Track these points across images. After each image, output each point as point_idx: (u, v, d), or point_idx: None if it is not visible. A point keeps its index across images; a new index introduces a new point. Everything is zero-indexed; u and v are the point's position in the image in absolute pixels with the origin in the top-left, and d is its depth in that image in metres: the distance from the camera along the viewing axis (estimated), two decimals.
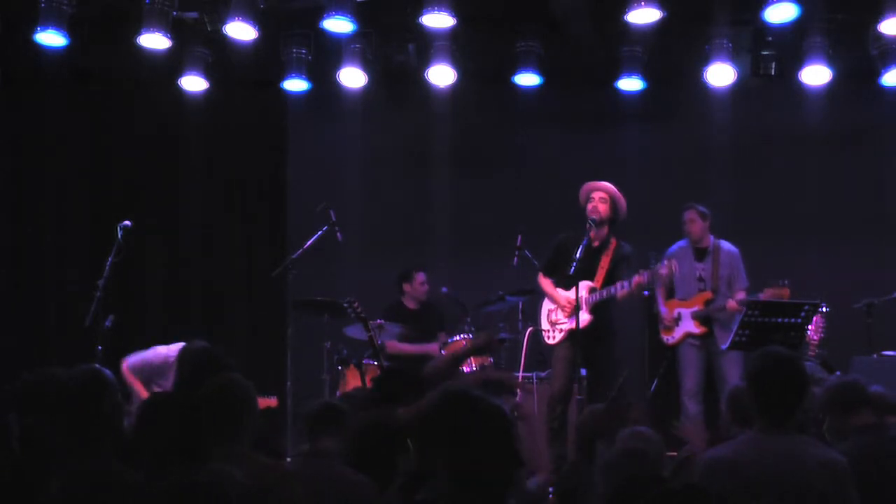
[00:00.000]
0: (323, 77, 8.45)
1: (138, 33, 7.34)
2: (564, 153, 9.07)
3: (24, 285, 9.17)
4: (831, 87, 8.30)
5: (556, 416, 6.76)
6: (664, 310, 7.48)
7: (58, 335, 8.91)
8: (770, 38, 8.10)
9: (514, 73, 8.29)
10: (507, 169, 9.18)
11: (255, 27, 7.36)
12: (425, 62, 8.25)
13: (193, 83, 8.41)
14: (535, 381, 7.42)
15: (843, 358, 6.87)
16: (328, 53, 8.29)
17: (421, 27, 7.53)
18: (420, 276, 8.25)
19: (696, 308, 7.32)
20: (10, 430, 3.33)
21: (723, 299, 7.23)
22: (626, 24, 7.38)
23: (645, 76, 8.35)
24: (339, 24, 7.35)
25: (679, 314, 7.38)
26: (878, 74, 8.04)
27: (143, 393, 6.70)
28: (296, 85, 8.42)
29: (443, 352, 7.64)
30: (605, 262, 6.91)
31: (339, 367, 7.64)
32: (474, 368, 7.45)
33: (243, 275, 9.27)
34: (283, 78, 8.39)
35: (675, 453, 4.48)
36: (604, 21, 7.79)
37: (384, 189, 9.27)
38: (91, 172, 9.34)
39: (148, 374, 6.75)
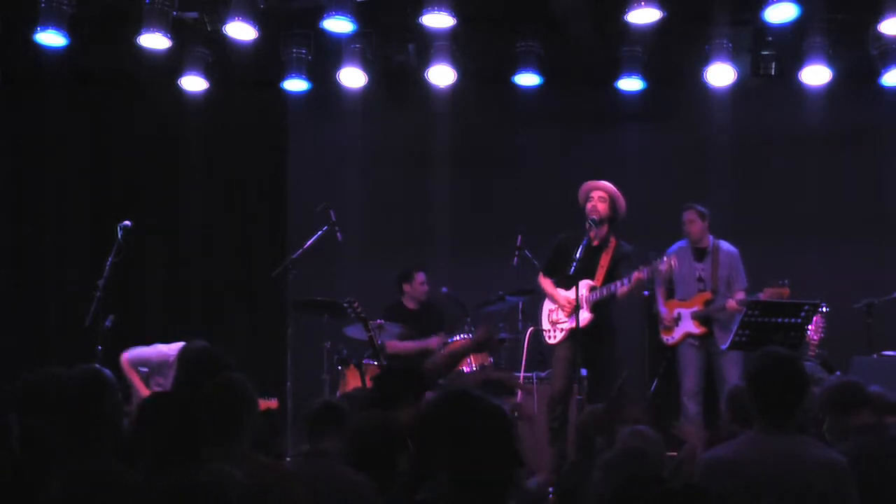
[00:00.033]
0: (323, 77, 8.45)
1: (138, 33, 7.34)
2: (564, 153, 9.07)
3: (24, 285, 9.18)
4: (831, 87, 8.30)
5: (556, 416, 6.76)
6: (664, 310, 7.48)
7: (58, 335, 8.91)
8: (770, 38, 8.10)
9: (514, 73, 8.29)
10: (507, 169, 9.17)
11: (255, 27, 7.36)
12: (425, 62, 8.25)
13: (193, 83, 8.41)
14: (535, 381, 7.42)
15: (843, 358, 6.87)
16: (328, 53, 8.29)
17: (421, 27, 7.53)
18: (420, 276, 8.24)
19: (695, 308, 7.32)
20: (10, 430, 3.34)
21: (722, 299, 7.23)
22: (626, 24, 7.38)
23: (645, 76, 8.35)
24: (339, 24, 7.35)
25: (679, 314, 7.38)
26: (878, 74, 8.04)
27: (141, 387, 6.71)
28: (296, 85, 8.42)
29: (442, 350, 7.64)
30: (604, 261, 6.91)
31: (339, 367, 7.64)
32: (474, 368, 7.46)
33: (243, 275, 9.27)
34: (283, 78, 8.39)
35: (675, 453, 4.48)
36: (604, 21, 7.79)
37: (384, 189, 9.27)
38: (91, 172, 9.34)
39: (146, 368, 6.76)
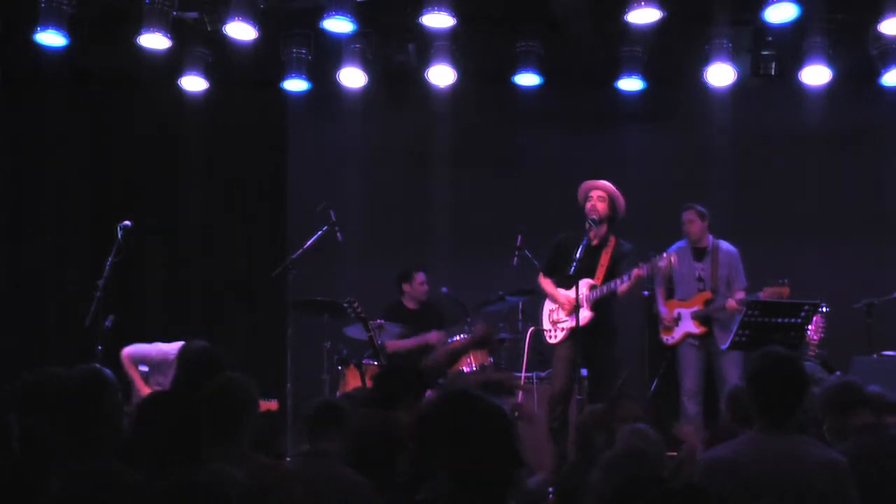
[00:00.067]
0: (323, 77, 8.45)
1: (138, 33, 7.34)
2: (564, 153, 9.07)
3: (24, 285, 9.18)
4: (831, 87, 8.30)
5: (556, 416, 6.76)
6: (664, 310, 7.48)
7: (58, 335, 8.91)
8: (770, 38, 8.10)
9: (514, 73, 8.29)
10: (507, 169, 9.17)
11: (255, 27, 7.36)
12: (425, 62, 8.25)
13: (193, 83, 8.41)
14: (535, 381, 7.42)
15: (843, 358, 6.87)
16: (328, 53, 8.29)
17: (421, 27, 7.53)
18: (419, 276, 8.24)
19: (695, 308, 7.32)
20: (10, 430, 3.34)
21: (722, 299, 7.23)
22: (626, 24, 7.38)
23: (645, 76, 8.35)
24: (339, 24, 7.35)
25: (679, 314, 7.38)
26: (878, 74, 8.04)
27: (140, 384, 6.71)
28: (296, 85, 8.42)
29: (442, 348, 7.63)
30: (604, 260, 6.92)
31: (339, 367, 7.64)
32: (474, 368, 7.46)
33: (243, 275, 9.27)
34: (283, 78, 8.39)
35: (675, 453, 4.48)
36: (604, 21, 7.79)
37: (384, 189, 9.27)
38: (91, 172, 9.34)
39: (146, 368, 6.76)
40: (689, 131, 9.08)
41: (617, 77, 8.39)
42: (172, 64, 8.18)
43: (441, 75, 8.24)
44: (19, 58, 8.19)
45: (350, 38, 7.92)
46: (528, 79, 8.29)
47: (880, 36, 7.66)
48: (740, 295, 7.14)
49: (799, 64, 8.06)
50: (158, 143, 9.32)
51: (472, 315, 7.90)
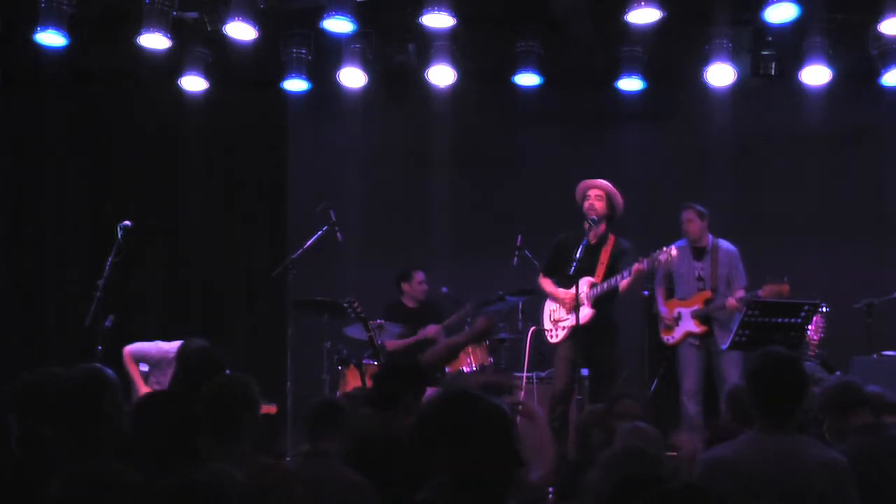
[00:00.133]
0: (323, 77, 8.45)
1: (138, 33, 7.35)
2: (564, 153, 9.07)
3: (24, 285, 9.18)
4: (831, 87, 8.30)
5: (556, 415, 6.77)
6: (664, 309, 7.48)
7: (58, 335, 8.91)
8: (770, 38, 8.10)
9: (514, 73, 8.29)
10: (507, 169, 9.17)
11: (255, 27, 7.36)
12: (425, 62, 8.25)
13: (193, 83, 8.41)
14: (535, 381, 7.42)
15: (843, 358, 6.87)
16: (328, 53, 8.29)
17: (421, 27, 7.53)
18: (419, 276, 8.25)
19: (695, 307, 7.32)
20: (10, 430, 3.33)
21: (722, 298, 7.23)
22: (626, 24, 7.39)
23: (645, 76, 8.35)
24: (339, 24, 7.35)
25: (679, 314, 7.38)
26: (878, 74, 8.04)
27: (140, 382, 6.72)
28: (296, 85, 8.42)
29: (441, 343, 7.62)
30: (604, 258, 6.93)
31: (339, 367, 7.64)
32: (474, 368, 7.46)
33: (243, 275, 9.27)
34: (283, 78, 8.39)
35: (675, 453, 4.47)
36: (604, 21, 7.80)
37: (384, 189, 9.26)
38: (91, 172, 9.34)
39: (146, 367, 6.77)
40: (689, 131, 9.08)
41: (617, 77, 8.39)
42: (172, 64, 8.18)
43: (441, 75, 8.24)
44: (19, 58, 8.19)
45: (350, 38, 7.92)
46: (528, 79, 8.29)
47: (880, 36, 7.66)
48: (740, 294, 7.14)
49: (799, 64, 8.06)
50: (158, 143, 9.31)
51: (472, 315, 7.88)
